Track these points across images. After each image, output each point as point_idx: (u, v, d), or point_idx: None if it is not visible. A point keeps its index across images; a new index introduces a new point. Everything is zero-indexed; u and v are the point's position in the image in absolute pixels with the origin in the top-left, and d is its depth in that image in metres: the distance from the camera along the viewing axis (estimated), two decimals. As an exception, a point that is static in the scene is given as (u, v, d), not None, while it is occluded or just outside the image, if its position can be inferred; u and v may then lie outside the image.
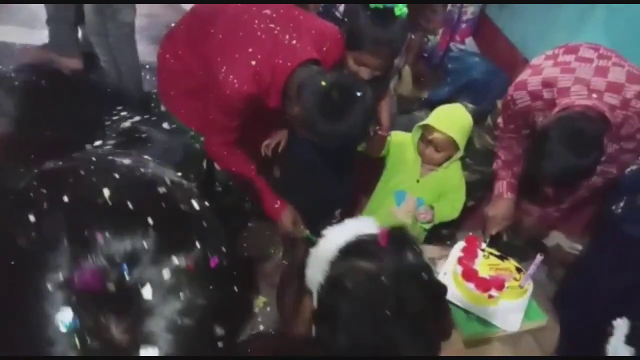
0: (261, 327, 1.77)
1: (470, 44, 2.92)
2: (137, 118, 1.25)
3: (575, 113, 1.53)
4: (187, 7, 1.91)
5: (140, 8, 2.56)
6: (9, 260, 0.48)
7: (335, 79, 1.51)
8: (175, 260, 0.52)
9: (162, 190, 0.56)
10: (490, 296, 1.52)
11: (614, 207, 1.67)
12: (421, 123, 1.97)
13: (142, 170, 0.57)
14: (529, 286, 1.59)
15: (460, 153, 1.98)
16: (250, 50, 1.56)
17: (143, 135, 1.26)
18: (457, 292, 1.55)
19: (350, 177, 2.14)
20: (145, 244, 0.51)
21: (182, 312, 0.51)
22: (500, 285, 1.53)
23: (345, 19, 1.84)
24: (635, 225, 1.59)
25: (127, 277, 0.49)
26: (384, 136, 2.03)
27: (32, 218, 0.49)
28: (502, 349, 1.49)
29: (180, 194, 0.57)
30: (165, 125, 1.37)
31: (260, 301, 1.98)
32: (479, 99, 2.43)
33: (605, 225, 1.79)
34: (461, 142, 1.93)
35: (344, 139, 1.59)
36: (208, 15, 1.69)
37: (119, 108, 1.30)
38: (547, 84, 1.66)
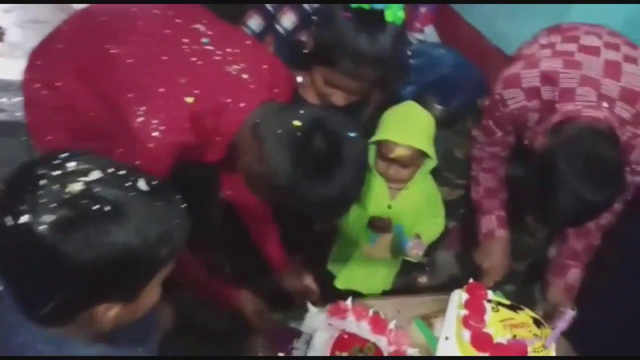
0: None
1: (430, 33, 2.55)
2: (94, 175, 0.69)
3: (584, 130, 1.21)
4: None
5: (25, 11, 1.97)
6: None
7: (314, 115, 1.04)
8: None
9: None
10: (511, 368, 1.17)
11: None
12: (374, 138, 1.53)
13: None
14: (554, 345, 1.25)
15: (432, 162, 1.60)
16: (182, 81, 1.07)
17: (106, 208, 0.67)
18: (466, 364, 1.20)
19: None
20: None
21: None
22: (522, 352, 1.18)
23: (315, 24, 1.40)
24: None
25: None
26: None
27: None
28: None
29: None
30: (141, 183, 0.71)
31: None
32: (449, 98, 2.09)
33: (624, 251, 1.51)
34: (430, 150, 1.56)
35: (336, 206, 1.12)
36: (103, 26, 1.15)
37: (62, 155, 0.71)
38: (547, 79, 1.33)
